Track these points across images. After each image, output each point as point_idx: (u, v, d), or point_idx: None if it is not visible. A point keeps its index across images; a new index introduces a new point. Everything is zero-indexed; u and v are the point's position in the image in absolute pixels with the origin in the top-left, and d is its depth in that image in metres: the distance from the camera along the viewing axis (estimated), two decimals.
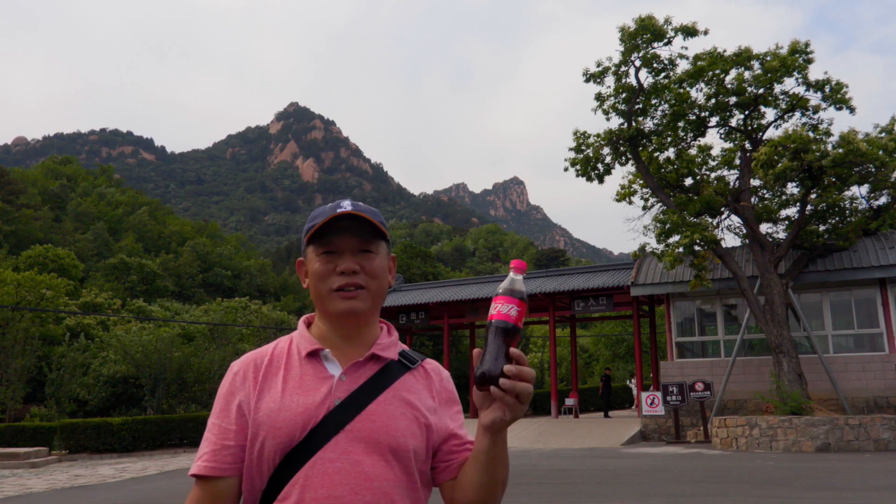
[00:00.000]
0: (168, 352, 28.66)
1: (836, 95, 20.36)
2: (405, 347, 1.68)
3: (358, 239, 1.56)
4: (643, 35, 20.89)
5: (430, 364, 1.69)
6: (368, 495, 1.44)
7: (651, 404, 21.58)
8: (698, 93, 21.79)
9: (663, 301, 23.88)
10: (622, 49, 21.29)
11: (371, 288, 1.57)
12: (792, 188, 22.28)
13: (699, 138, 22.75)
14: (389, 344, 1.63)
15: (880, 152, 19.19)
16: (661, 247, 21.00)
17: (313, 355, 1.56)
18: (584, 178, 22.83)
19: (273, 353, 1.60)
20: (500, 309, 1.39)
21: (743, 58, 20.90)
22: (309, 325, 1.66)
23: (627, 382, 32.45)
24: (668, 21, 20.95)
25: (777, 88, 20.98)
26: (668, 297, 23.03)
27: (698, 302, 23.11)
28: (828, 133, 20.96)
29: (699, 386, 20.56)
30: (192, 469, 1.50)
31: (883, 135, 20.58)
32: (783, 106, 21.34)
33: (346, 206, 1.56)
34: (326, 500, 1.42)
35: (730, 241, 26.79)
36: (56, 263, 50.44)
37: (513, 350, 1.38)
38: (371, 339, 1.62)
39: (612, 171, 23.01)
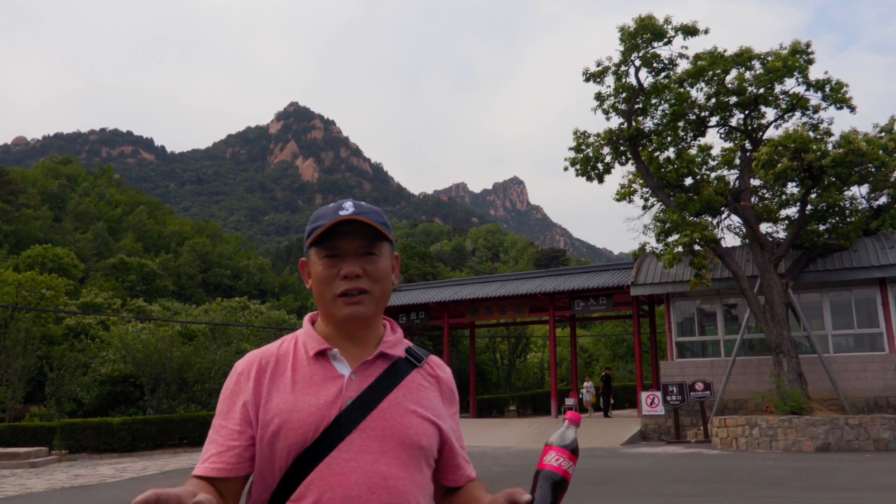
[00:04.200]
0: (168, 351, 28.64)
1: (837, 95, 20.35)
2: (410, 343, 1.68)
3: (361, 242, 1.55)
4: (643, 35, 20.88)
5: (435, 360, 1.69)
6: (385, 495, 1.43)
7: (651, 404, 21.58)
8: (698, 92, 21.81)
9: (663, 301, 23.87)
10: (622, 49, 21.29)
11: (375, 292, 1.56)
12: (792, 188, 22.30)
13: (699, 138, 22.76)
14: (396, 341, 1.63)
15: (880, 152, 19.19)
16: (661, 246, 21.01)
17: (321, 355, 1.56)
18: (584, 178, 22.84)
19: (279, 352, 1.59)
20: (561, 463, 1.40)
21: (743, 58, 20.89)
22: (313, 322, 1.66)
23: (584, 384, 32.35)
24: (668, 21, 20.95)
25: (777, 88, 20.97)
26: (668, 297, 23.03)
27: (698, 302, 23.11)
28: (828, 133, 20.97)
29: (699, 386, 20.55)
30: (198, 470, 1.48)
31: (883, 134, 20.58)
32: (783, 106, 21.33)
33: (349, 208, 1.55)
34: (344, 500, 1.42)
35: (730, 240, 26.84)
36: (56, 263, 50.40)
37: None
38: (376, 337, 1.62)
39: (612, 170, 23.05)
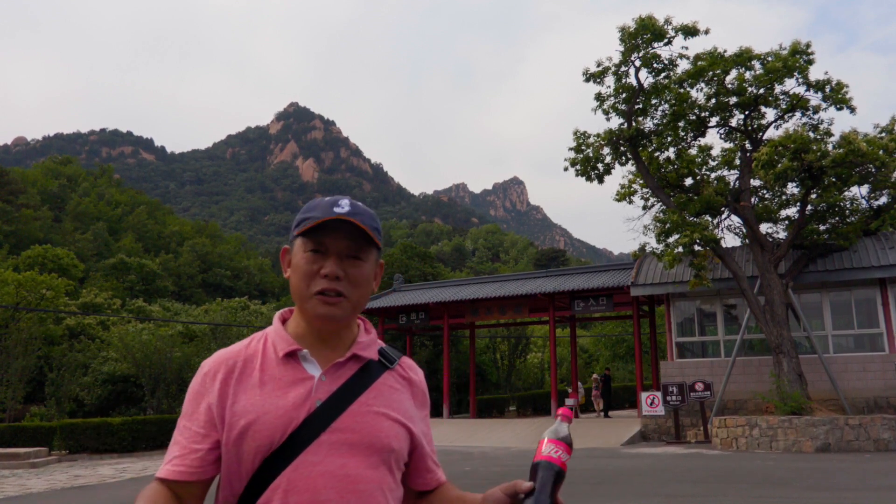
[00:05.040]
0: (168, 352, 28.64)
1: (837, 95, 20.35)
2: (383, 345, 1.66)
3: (348, 243, 1.52)
4: (643, 35, 20.88)
5: (407, 362, 1.67)
6: (354, 498, 1.42)
7: (651, 404, 21.58)
8: (698, 93, 21.82)
9: (663, 301, 23.87)
10: (622, 49, 21.29)
11: (352, 297, 1.53)
12: (792, 188, 22.30)
13: (699, 138, 22.77)
14: (369, 343, 1.61)
15: (880, 152, 19.19)
16: (661, 246, 21.01)
17: (291, 356, 1.52)
18: (584, 178, 22.85)
19: (247, 351, 1.55)
20: (560, 455, 1.45)
21: (743, 58, 20.89)
22: (284, 321, 1.62)
23: (568, 388, 32.30)
24: (668, 21, 20.95)
25: (777, 88, 20.98)
26: (668, 297, 23.03)
27: (698, 302, 23.11)
28: (828, 133, 20.98)
29: (699, 386, 20.55)
30: (160, 472, 1.46)
31: (883, 135, 20.59)
32: (783, 106, 21.33)
33: (345, 206, 1.51)
34: (312, 502, 1.40)
35: (730, 241, 26.80)
36: (56, 263, 50.40)
37: (560, 500, 1.42)
38: (349, 338, 1.59)
39: (612, 170, 23.03)
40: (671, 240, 20.57)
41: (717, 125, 22.38)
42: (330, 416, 1.46)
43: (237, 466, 1.45)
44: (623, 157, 22.58)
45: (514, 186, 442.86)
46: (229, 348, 1.58)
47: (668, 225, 20.38)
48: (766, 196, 23.20)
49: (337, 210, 1.50)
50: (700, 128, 22.30)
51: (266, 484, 1.41)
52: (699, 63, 21.00)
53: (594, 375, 31.80)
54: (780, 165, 19.37)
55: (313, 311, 1.52)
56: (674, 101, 21.51)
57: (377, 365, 1.58)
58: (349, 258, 1.53)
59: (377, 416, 1.50)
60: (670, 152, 22.82)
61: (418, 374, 1.67)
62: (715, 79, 21.20)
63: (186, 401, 1.52)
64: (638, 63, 21.48)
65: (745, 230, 21.58)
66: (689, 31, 20.95)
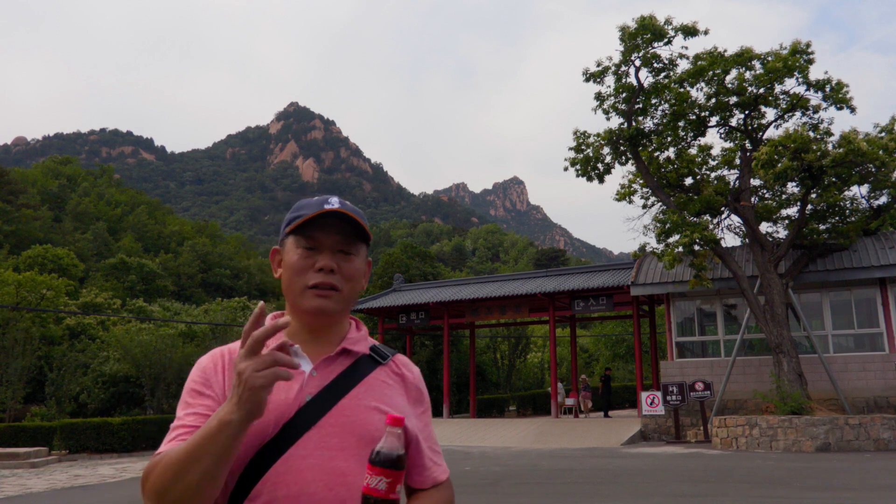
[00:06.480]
0: (168, 352, 28.65)
1: (837, 95, 20.35)
2: (375, 342, 1.67)
3: (340, 238, 1.56)
4: (643, 35, 20.89)
5: (401, 359, 1.68)
6: (342, 490, 1.42)
7: (651, 404, 21.58)
8: (698, 92, 21.83)
9: (663, 301, 23.87)
10: (622, 49, 21.29)
11: (345, 291, 1.56)
12: (792, 188, 22.31)
13: (699, 138, 22.77)
14: (359, 338, 1.63)
15: (881, 152, 19.18)
16: (661, 246, 21.01)
17: (282, 351, 1.53)
18: (584, 178, 22.84)
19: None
20: (380, 484, 1.32)
21: (744, 58, 20.89)
22: None
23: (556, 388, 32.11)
24: (668, 21, 20.96)
25: (777, 88, 20.98)
26: (667, 297, 23.03)
27: (698, 302, 23.11)
28: (828, 133, 20.98)
29: (699, 386, 20.56)
30: (166, 446, 1.40)
31: (883, 134, 20.57)
32: (783, 106, 21.34)
33: (335, 202, 1.55)
34: (300, 496, 1.41)
35: (730, 240, 26.85)
36: (56, 263, 50.37)
37: None
38: (340, 334, 1.61)
39: (612, 170, 23.04)
40: (671, 240, 20.57)
41: (717, 125, 22.38)
42: (320, 411, 1.47)
43: None
44: (623, 157, 22.59)
45: (514, 186, 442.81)
46: (224, 346, 1.60)
47: (668, 225, 20.38)
48: (766, 196, 23.20)
49: (327, 206, 1.54)
50: (700, 127, 22.31)
51: (257, 478, 1.42)
52: (699, 63, 21.01)
53: (582, 376, 31.71)
54: (780, 165, 19.36)
55: (306, 305, 1.54)
56: (674, 101, 21.52)
57: (369, 360, 1.60)
58: (341, 253, 1.56)
59: (368, 409, 1.51)
60: (670, 152, 22.84)
61: (412, 372, 1.67)
62: (715, 78, 21.20)
63: (185, 393, 1.52)
64: (638, 63, 21.49)
65: (745, 230, 21.58)
66: (689, 31, 20.96)
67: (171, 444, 1.40)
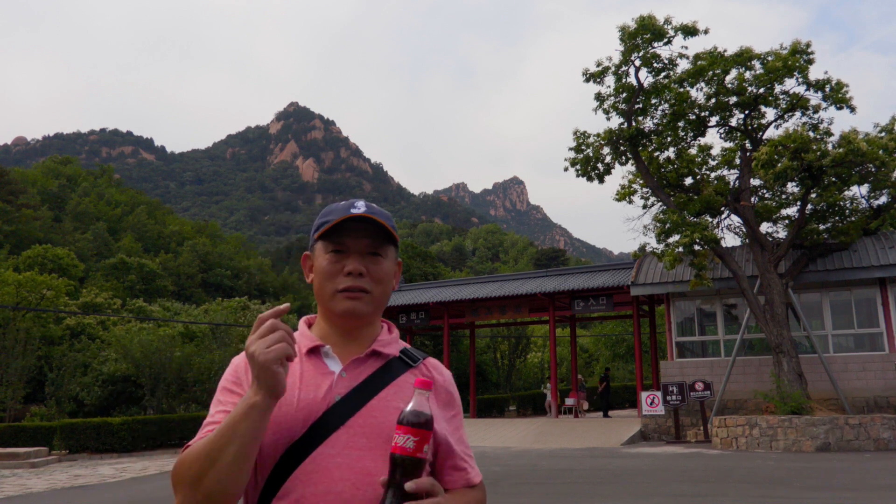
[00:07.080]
0: (168, 351, 28.64)
1: (837, 95, 20.35)
2: (407, 345, 1.69)
3: (368, 241, 1.58)
4: (643, 35, 20.88)
5: (433, 362, 1.69)
6: (369, 491, 1.44)
7: (651, 404, 21.58)
8: (698, 92, 21.81)
9: (663, 301, 23.87)
10: (622, 49, 21.29)
11: (375, 293, 1.59)
12: (792, 188, 22.30)
13: (699, 138, 22.76)
14: (390, 341, 1.65)
15: (880, 152, 19.18)
16: (661, 246, 21.01)
17: (314, 352, 1.58)
18: (584, 178, 22.83)
19: None
20: (408, 443, 1.36)
21: (743, 58, 20.89)
22: (310, 325, 1.68)
23: (543, 388, 32.11)
24: (668, 21, 20.95)
25: (777, 88, 20.97)
26: (667, 297, 23.03)
27: (698, 302, 23.11)
28: (828, 133, 20.97)
29: (699, 386, 20.55)
30: (194, 441, 1.42)
31: (883, 134, 20.57)
32: (783, 106, 21.33)
33: (361, 206, 1.58)
34: (326, 495, 1.42)
35: (730, 240, 26.86)
36: (56, 263, 50.36)
37: (409, 485, 1.36)
38: (371, 337, 1.63)
39: (612, 170, 23.02)
40: (671, 240, 20.56)
41: (717, 125, 22.38)
42: (349, 411, 1.49)
43: (260, 458, 1.48)
44: (623, 157, 22.58)
45: (514, 186, 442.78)
46: None
47: (668, 225, 20.38)
48: (766, 196, 23.20)
49: (354, 210, 1.57)
50: (700, 127, 22.30)
51: (285, 476, 1.45)
52: (699, 63, 21.00)
53: (579, 376, 31.72)
54: (779, 165, 19.36)
55: (338, 308, 1.57)
56: (674, 101, 21.51)
57: (399, 363, 1.62)
58: (370, 255, 1.59)
59: (396, 411, 1.51)
60: (670, 152, 22.84)
61: (443, 375, 1.68)
62: (715, 78, 21.20)
63: (218, 392, 1.56)
64: (638, 63, 21.49)
65: (745, 230, 21.58)
66: (689, 31, 20.96)
67: (201, 437, 1.44)
